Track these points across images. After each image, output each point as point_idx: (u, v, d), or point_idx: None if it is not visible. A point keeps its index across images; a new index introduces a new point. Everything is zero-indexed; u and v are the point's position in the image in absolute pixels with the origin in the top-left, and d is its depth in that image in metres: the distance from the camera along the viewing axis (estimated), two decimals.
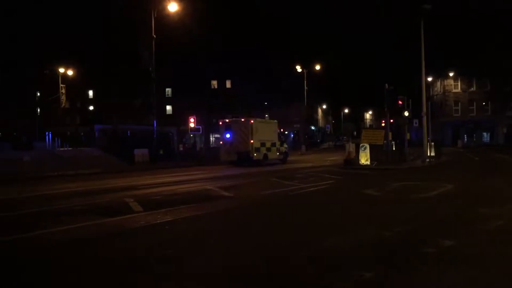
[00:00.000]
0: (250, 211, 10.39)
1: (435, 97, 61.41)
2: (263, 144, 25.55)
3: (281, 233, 7.69)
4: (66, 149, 31.14)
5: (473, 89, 59.66)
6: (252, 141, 24.64)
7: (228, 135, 25.47)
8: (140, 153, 29.04)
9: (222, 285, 5.13)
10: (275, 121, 28.71)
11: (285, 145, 29.39)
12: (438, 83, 62.33)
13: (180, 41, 49.71)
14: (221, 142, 26.38)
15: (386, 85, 24.08)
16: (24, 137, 46.24)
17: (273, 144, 26.62)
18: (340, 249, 6.46)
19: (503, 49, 50.50)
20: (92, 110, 64.21)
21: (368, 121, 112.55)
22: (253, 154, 24.76)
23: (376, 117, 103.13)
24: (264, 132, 25.82)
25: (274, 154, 26.81)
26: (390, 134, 25.17)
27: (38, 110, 69.16)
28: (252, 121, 25.32)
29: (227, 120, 26.58)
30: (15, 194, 13.84)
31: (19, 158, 23.70)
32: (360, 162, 22.63)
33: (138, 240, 7.38)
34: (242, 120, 25.92)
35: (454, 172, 20.71)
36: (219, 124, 27.10)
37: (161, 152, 30.78)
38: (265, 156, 25.72)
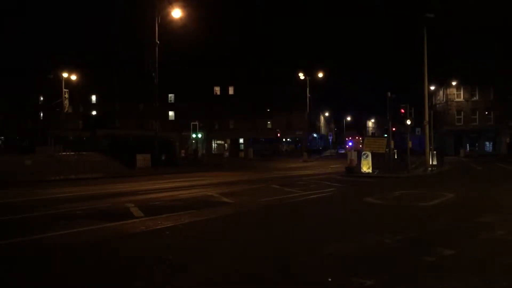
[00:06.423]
0: (249, 218, 10.37)
1: (437, 105, 61.30)
2: None
3: (280, 240, 7.68)
4: (68, 153, 31.12)
5: (476, 98, 59.46)
6: (361, 146, 42.15)
7: (350, 143, 51.67)
8: (142, 158, 29.03)
9: None
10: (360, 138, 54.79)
11: None
12: (441, 92, 62.18)
13: (183, 47, 50.03)
14: (347, 146, 52.48)
15: (389, 93, 24.07)
16: (26, 141, 46.36)
17: None
18: (340, 257, 6.44)
19: (506, 58, 50.41)
20: (95, 114, 64.32)
21: (370, 129, 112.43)
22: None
23: (379, 125, 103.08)
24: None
25: None
26: (392, 142, 25.14)
27: (41, 114, 69.51)
28: (360, 138, 48.76)
29: (350, 138, 51.69)
30: (16, 197, 13.85)
31: (21, 162, 23.75)
32: (362, 170, 22.60)
33: (138, 245, 7.37)
34: (356, 137, 49.70)
35: (456, 181, 20.65)
36: (346, 139, 52.76)
37: (163, 157, 30.77)
38: None
